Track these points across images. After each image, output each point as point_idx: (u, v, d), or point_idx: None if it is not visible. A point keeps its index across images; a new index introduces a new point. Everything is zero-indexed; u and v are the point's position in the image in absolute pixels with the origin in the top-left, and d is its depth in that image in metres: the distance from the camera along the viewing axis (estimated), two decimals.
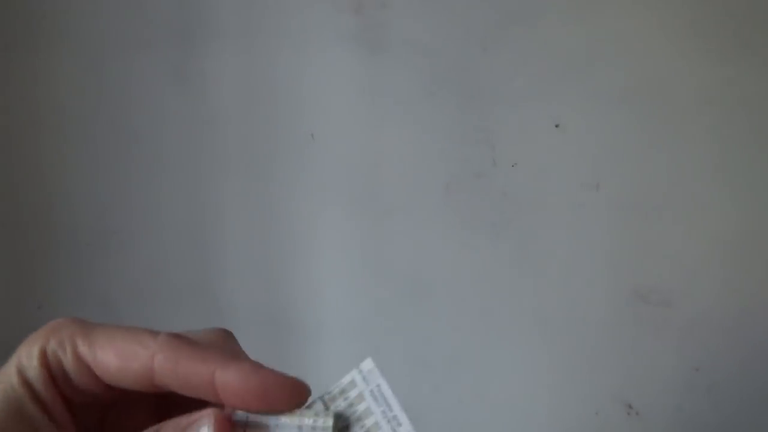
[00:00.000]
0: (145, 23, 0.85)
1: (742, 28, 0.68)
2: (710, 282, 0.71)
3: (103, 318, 0.26)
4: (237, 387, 0.24)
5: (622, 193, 0.73)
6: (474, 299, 0.78)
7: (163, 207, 0.86)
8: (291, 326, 0.84)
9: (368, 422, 0.24)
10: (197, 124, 0.85)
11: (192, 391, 0.24)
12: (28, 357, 0.24)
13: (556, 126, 0.74)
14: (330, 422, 0.23)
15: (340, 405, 0.25)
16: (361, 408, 0.25)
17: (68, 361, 0.24)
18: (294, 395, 0.24)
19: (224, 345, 0.25)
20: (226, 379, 0.24)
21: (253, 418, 0.24)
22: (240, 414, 0.24)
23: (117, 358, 0.24)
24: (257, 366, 0.24)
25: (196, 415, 0.23)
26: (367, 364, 0.25)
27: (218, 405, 0.24)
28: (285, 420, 0.24)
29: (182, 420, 0.23)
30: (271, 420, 0.24)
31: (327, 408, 0.24)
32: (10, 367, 0.24)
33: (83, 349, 0.24)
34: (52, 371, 0.24)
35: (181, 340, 0.24)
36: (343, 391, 0.25)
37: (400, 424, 0.24)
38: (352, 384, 0.25)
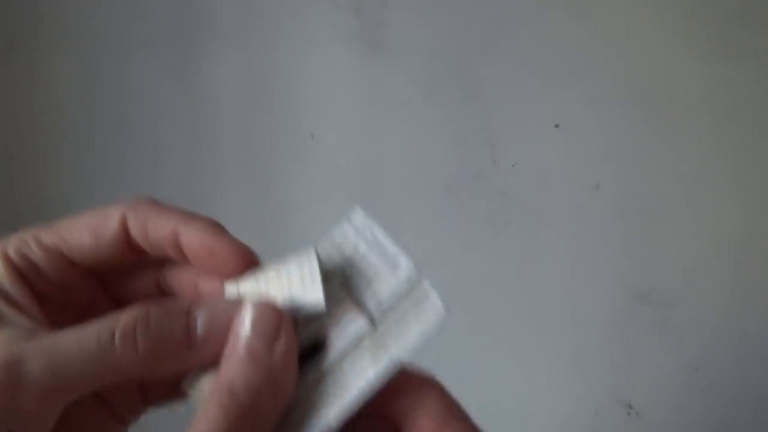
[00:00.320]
0: (144, 23, 0.85)
1: (742, 28, 0.68)
2: (710, 282, 0.71)
3: None
4: (195, 244, 0.24)
5: (622, 193, 0.73)
6: (474, 299, 0.78)
7: None
8: None
9: (364, 267, 0.24)
10: (197, 124, 0.85)
11: (160, 249, 0.25)
12: None
13: (556, 126, 0.74)
14: (314, 259, 0.23)
15: (334, 258, 0.24)
16: (356, 256, 0.24)
17: (36, 254, 0.24)
18: (243, 260, 0.24)
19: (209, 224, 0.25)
20: (187, 235, 0.24)
21: (243, 287, 0.24)
22: (230, 288, 0.24)
23: (88, 231, 0.24)
24: (216, 226, 0.25)
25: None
26: (358, 214, 0.25)
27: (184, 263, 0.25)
28: (271, 274, 0.24)
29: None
30: (260, 279, 0.24)
31: (321, 262, 0.24)
32: None
33: (48, 238, 0.24)
34: (21, 269, 0.24)
35: (147, 200, 0.25)
36: (335, 244, 0.25)
37: (398, 263, 0.24)
38: (344, 236, 0.25)
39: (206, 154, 0.85)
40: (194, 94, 0.84)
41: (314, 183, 0.82)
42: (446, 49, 0.76)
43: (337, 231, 0.25)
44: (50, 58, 0.88)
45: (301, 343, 0.23)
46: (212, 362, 0.23)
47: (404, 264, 0.24)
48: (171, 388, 0.26)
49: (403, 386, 0.23)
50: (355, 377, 0.22)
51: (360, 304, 0.23)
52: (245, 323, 0.22)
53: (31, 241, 0.24)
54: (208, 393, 0.22)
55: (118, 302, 0.26)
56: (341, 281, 0.24)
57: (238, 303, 0.23)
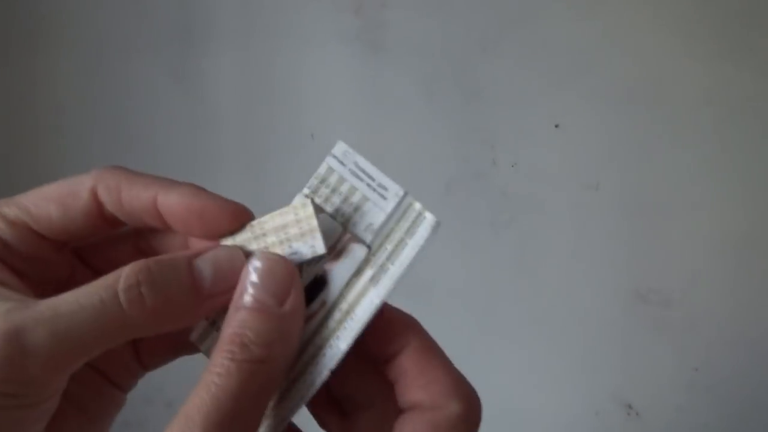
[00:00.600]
0: (144, 23, 0.85)
1: (742, 28, 0.68)
2: (710, 282, 0.71)
3: None
4: (179, 209, 0.23)
5: (622, 193, 0.73)
6: (474, 299, 0.78)
7: None
8: None
9: (355, 198, 0.24)
10: (197, 124, 0.85)
11: (137, 219, 0.24)
12: None
13: (556, 126, 0.74)
14: (309, 205, 0.23)
15: (323, 193, 0.25)
16: (344, 189, 0.25)
17: (1, 229, 0.23)
18: (235, 216, 0.24)
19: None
20: (169, 201, 0.23)
21: (240, 240, 0.24)
22: (227, 242, 0.24)
23: (55, 204, 0.23)
24: (199, 189, 0.24)
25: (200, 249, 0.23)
26: (340, 147, 0.25)
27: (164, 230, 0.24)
28: (267, 225, 0.24)
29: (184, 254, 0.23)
30: (257, 231, 0.24)
31: (312, 200, 0.24)
32: None
33: (12, 211, 0.23)
34: None
35: (117, 168, 0.24)
36: (323, 180, 0.25)
37: (386, 189, 0.25)
38: (330, 170, 0.25)
39: (206, 153, 0.85)
40: (194, 94, 0.84)
41: None
42: (446, 49, 0.76)
43: (321, 166, 0.25)
44: (50, 58, 0.88)
45: (304, 282, 0.24)
46: (220, 312, 0.23)
47: (392, 188, 0.24)
48: (166, 348, 0.26)
49: (387, 327, 0.23)
50: (359, 303, 0.23)
51: (354, 234, 0.24)
52: (254, 275, 0.22)
53: None
54: (219, 345, 0.21)
55: (100, 274, 0.24)
56: (333, 213, 0.24)
57: (239, 250, 0.23)
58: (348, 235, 0.24)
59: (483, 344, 0.79)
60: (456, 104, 0.77)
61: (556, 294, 0.76)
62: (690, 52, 0.70)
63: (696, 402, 0.73)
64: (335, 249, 0.24)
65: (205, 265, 0.23)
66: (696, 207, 0.71)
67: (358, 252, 0.24)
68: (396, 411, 0.23)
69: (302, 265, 0.24)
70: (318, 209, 0.24)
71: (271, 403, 0.23)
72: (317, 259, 0.24)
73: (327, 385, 0.23)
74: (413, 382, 0.23)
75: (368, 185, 0.24)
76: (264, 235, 0.24)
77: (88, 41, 0.87)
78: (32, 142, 0.90)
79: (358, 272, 0.23)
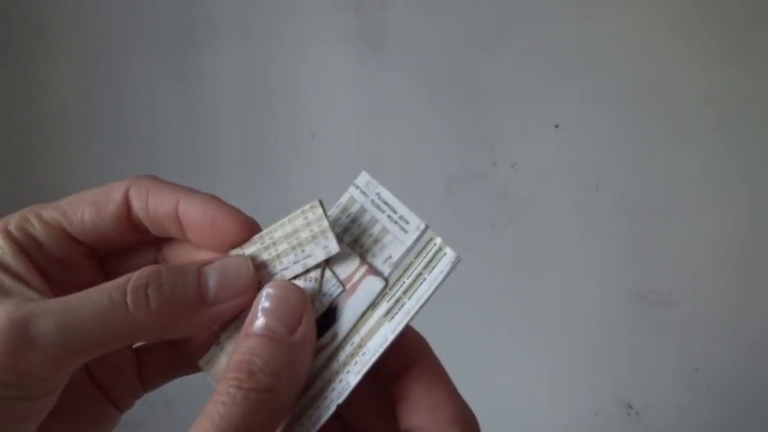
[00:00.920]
0: (144, 23, 0.85)
1: (742, 28, 0.68)
2: (710, 282, 0.71)
3: None
4: (196, 217, 0.24)
5: (622, 193, 0.73)
6: (474, 299, 0.78)
7: None
8: None
9: (375, 230, 0.24)
10: (197, 124, 0.85)
11: (160, 226, 0.24)
12: None
13: (556, 126, 0.74)
14: (317, 206, 0.23)
15: (343, 222, 0.24)
16: (365, 219, 0.24)
17: (37, 229, 0.24)
18: (245, 226, 0.24)
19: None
20: (188, 209, 0.24)
21: (249, 250, 0.24)
22: (236, 252, 0.24)
23: (90, 206, 0.24)
24: (217, 199, 0.24)
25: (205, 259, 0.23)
26: (363, 177, 0.25)
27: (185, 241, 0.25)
28: (277, 233, 0.24)
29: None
30: (266, 239, 0.24)
31: (333, 228, 0.24)
32: None
33: (50, 214, 0.24)
34: (22, 243, 0.23)
35: (149, 176, 0.25)
36: (344, 210, 0.25)
37: (407, 222, 0.24)
38: (352, 200, 0.25)
39: (206, 153, 0.85)
40: (194, 93, 0.84)
41: (314, 183, 0.82)
42: (446, 49, 0.76)
43: (343, 196, 0.25)
44: (50, 57, 0.88)
45: (316, 312, 0.23)
46: (224, 321, 0.23)
47: (413, 222, 0.24)
48: (169, 367, 0.26)
49: (397, 345, 0.23)
50: (372, 337, 0.23)
51: (373, 266, 0.24)
52: (267, 302, 0.22)
53: (32, 217, 0.24)
54: (225, 372, 0.21)
55: None
56: (351, 243, 0.24)
57: (247, 260, 0.23)
58: (365, 267, 0.24)
59: (483, 344, 0.79)
60: (456, 104, 0.77)
61: (556, 294, 0.76)
62: (690, 52, 0.70)
63: (696, 402, 0.73)
64: (351, 280, 0.23)
65: (212, 272, 0.23)
66: (696, 207, 0.71)
67: (374, 285, 0.23)
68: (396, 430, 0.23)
69: (315, 295, 0.23)
70: (332, 224, 0.24)
71: None
72: (331, 290, 0.23)
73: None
74: (418, 404, 0.22)
75: (389, 217, 0.24)
76: (274, 244, 0.24)
77: (88, 41, 0.87)
78: (32, 142, 0.90)
79: (373, 305, 0.23)
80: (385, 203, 0.24)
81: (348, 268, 0.24)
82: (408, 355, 0.23)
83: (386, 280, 0.23)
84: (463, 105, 0.76)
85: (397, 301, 0.23)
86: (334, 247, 0.23)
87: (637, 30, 0.71)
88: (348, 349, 0.23)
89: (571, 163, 0.74)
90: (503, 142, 0.76)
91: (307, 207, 0.24)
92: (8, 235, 0.23)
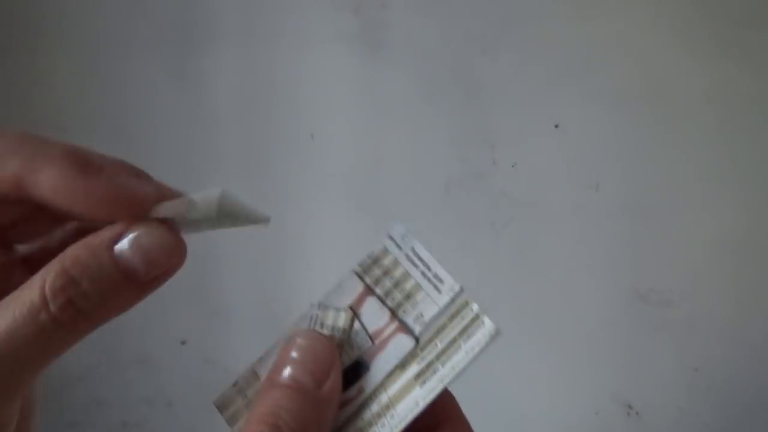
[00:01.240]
0: (145, 23, 0.85)
1: (742, 28, 0.68)
2: (710, 282, 0.71)
3: None
4: (50, 196, 0.20)
5: (622, 193, 0.73)
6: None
7: None
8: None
9: (408, 285, 0.23)
10: (197, 124, 0.85)
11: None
12: None
13: (556, 126, 0.74)
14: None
15: (374, 274, 0.23)
16: (398, 273, 0.23)
17: None
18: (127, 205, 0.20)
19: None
20: (38, 186, 0.20)
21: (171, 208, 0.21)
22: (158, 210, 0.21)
23: None
24: (76, 160, 0.20)
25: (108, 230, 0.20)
26: (398, 229, 0.24)
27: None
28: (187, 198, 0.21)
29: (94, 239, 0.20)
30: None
31: (362, 279, 0.23)
32: None
33: None
34: None
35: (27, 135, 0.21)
36: (376, 261, 0.24)
37: (441, 281, 0.23)
38: (385, 252, 0.24)
39: (206, 153, 0.85)
40: (194, 93, 0.84)
41: (314, 183, 0.82)
42: (446, 49, 0.76)
43: (376, 246, 0.24)
44: (50, 57, 0.88)
45: (343, 362, 0.23)
46: (248, 379, 0.22)
47: (447, 282, 0.23)
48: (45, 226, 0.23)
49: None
50: (401, 400, 0.22)
51: (404, 322, 0.23)
52: (295, 352, 0.21)
53: None
54: (250, 424, 0.20)
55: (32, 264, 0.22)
56: (382, 296, 0.23)
57: (160, 226, 0.20)
58: (396, 323, 0.23)
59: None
60: (456, 104, 0.77)
61: (556, 294, 0.76)
62: (690, 52, 0.70)
63: (696, 402, 0.73)
64: (381, 335, 0.23)
65: (130, 249, 0.20)
66: (696, 207, 0.71)
67: (405, 343, 0.22)
68: None
69: (343, 346, 0.23)
70: (362, 278, 0.23)
71: None
72: (360, 343, 0.23)
73: None
74: None
75: (423, 273, 0.23)
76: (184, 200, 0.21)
77: (88, 40, 0.87)
78: None
79: (402, 364, 0.22)
80: (420, 259, 0.24)
81: (378, 322, 0.23)
82: (437, 413, 0.22)
83: (417, 339, 0.23)
84: (463, 105, 0.76)
85: (429, 364, 0.22)
86: (267, 220, 0.21)
87: (637, 30, 0.71)
88: (375, 407, 0.22)
89: (571, 163, 0.74)
90: (503, 142, 0.76)
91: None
92: None
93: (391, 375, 0.22)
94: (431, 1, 0.76)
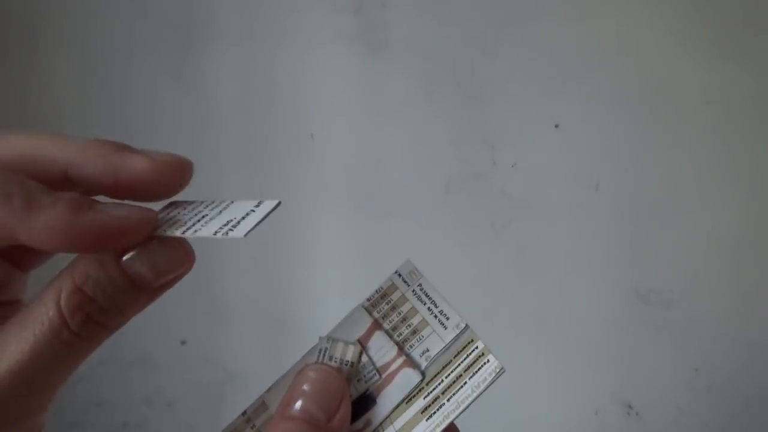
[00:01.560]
0: (144, 23, 0.85)
1: (742, 28, 0.68)
2: (710, 282, 0.71)
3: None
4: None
5: (622, 193, 0.73)
6: (473, 299, 0.78)
7: None
8: (290, 326, 0.84)
9: (414, 321, 0.24)
10: (196, 124, 0.85)
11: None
12: None
13: (556, 126, 0.74)
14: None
15: (382, 309, 0.24)
16: (405, 309, 0.24)
17: None
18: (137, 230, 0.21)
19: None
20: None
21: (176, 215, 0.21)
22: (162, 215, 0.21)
23: None
24: (76, 206, 0.20)
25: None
26: (407, 266, 0.25)
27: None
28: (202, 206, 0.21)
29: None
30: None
31: (370, 314, 0.23)
32: None
33: None
34: None
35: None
36: (384, 296, 0.24)
37: (447, 318, 0.24)
38: (393, 287, 0.25)
39: (206, 154, 0.85)
40: (194, 93, 0.84)
41: (314, 183, 0.82)
42: (446, 49, 0.76)
43: (384, 281, 0.25)
44: (50, 57, 0.88)
45: (350, 395, 0.23)
46: (257, 410, 0.22)
47: (453, 319, 0.24)
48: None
49: None
50: None
51: (410, 357, 0.23)
52: (306, 385, 0.22)
53: None
54: None
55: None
56: (389, 331, 0.24)
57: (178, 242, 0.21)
58: (403, 358, 0.23)
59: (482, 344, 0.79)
60: (456, 104, 0.77)
61: (556, 294, 0.76)
62: (690, 52, 0.70)
63: (696, 402, 0.73)
64: (388, 369, 0.23)
65: (138, 264, 0.21)
66: (696, 207, 0.71)
67: (412, 378, 0.23)
68: None
69: (351, 379, 0.23)
70: (370, 312, 0.23)
71: None
72: (367, 376, 0.23)
73: None
74: None
75: (429, 310, 0.24)
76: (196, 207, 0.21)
77: (87, 41, 0.87)
78: None
79: (409, 398, 0.23)
80: (427, 295, 0.24)
81: (386, 356, 0.23)
82: None
83: (423, 374, 0.23)
84: (463, 105, 0.76)
85: (435, 399, 0.23)
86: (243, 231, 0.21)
87: (637, 30, 0.71)
88: None
89: (571, 163, 0.74)
90: (503, 142, 0.76)
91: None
92: None
93: (397, 408, 0.23)
94: (431, 1, 0.76)
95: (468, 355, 0.23)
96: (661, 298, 0.73)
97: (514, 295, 0.77)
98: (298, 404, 0.21)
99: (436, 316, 0.24)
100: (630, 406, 0.75)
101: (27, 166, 0.20)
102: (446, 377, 0.23)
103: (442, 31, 0.76)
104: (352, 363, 0.23)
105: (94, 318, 0.20)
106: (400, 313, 0.24)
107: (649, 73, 0.71)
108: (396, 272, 0.25)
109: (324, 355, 0.23)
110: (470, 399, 0.23)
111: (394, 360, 0.23)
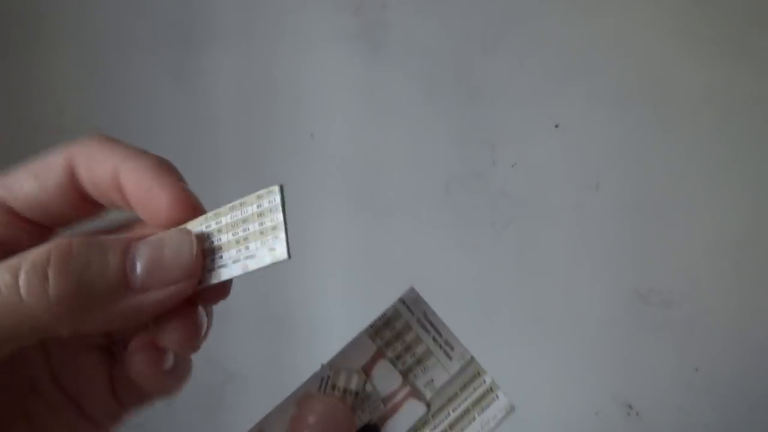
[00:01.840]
0: (144, 23, 0.85)
1: (742, 28, 0.68)
2: (710, 282, 0.71)
3: None
4: (131, 187, 0.20)
5: (622, 193, 0.73)
6: (474, 299, 0.78)
7: None
8: (290, 326, 0.84)
9: (419, 350, 0.23)
10: (197, 124, 0.85)
11: (106, 194, 0.20)
12: None
13: (556, 126, 0.74)
14: (276, 193, 0.20)
15: (386, 336, 0.23)
16: (409, 337, 0.24)
17: None
18: (178, 203, 0.20)
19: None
20: (127, 173, 0.20)
21: (193, 228, 0.20)
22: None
23: (32, 177, 0.21)
24: (160, 165, 0.20)
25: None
26: (411, 294, 0.24)
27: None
28: (225, 220, 0.20)
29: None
30: (211, 222, 0.20)
31: (374, 341, 0.23)
32: None
33: None
34: None
35: (98, 135, 0.21)
36: (388, 323, 0.24)
37: (452, 348, 0.24)
38: (397, 315, 0.24)
39: (206, 153, 0.85)
40: (194, 93, 0.84)
41: (314, 183, 0.82)
42: (447, 49, 0.76)
43: (389, 308, 0.24)
44: (50, 57, 0.88)
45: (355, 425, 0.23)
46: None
47: (458, 349, 0.23)
48: (146, 391, 0.23)
49: None
50: None
51: (415, 387, 0.23)
52: (313, 417, 0.22)
53: None
54: None
55: None
56: (393, 359, 0.23)
57: (190, 236, 0.19)
58: (408, 388, 0.23)
59: (482, 344, 0.78)
60: (456, 104, 0.77)
61: (556, 294, 0.76)
62: (690, 52, 0.70)
63: (696, 402, 0.73)
64: (392, 399, 0.23)
65: (143, 249, 0.19)
66: (696, 207, 0.71)
67: (417, 409, 0.23)
68: None
69: (356, 409, 0.23)
70: (377, 342, 0.23)
71: None
72: (372, 406, 0.23)
73: None
74: None
75: (434, 339, 0.24)
76: (219, 231, 0.20)
77: (88, 40, 0.87)
78: (32, 142, 0.90)
79: (414, 430, 0.23)
80: (431, 324, 0.24)
81: (390, 386, 0.23)
82: None
83: (428, 405, 0.23)
84: (463, 105, 0.76)
85: None
86: (282, 252, 0.20)
87: (637, 29, 0.71)
88: None
89: (571, 163, 0.74)
90: (503, 142, 0.76)
91: (263, 191, 0.20)
92: None
93: None
94: (431, 1, 0.76)
95: (475, 390, 0.23)
96: (661, 298, 0.73)
97: (514, 295, 0.77)
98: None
99: (440, 346, 0.24)
100: (630, 406, 0.75)
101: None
102: (453, 411, 0.23)
103: (442, 30, 0.76)
104: (357, 393, 0.23)
105: (48, 284, 0.18)
106: (404, 342, 0.24)
107: (649, 73, 0.71)
108: (400, 300, 0.24)
109: (326, 383, 0.23)
110: None
111: (398, 390, 0.23)
